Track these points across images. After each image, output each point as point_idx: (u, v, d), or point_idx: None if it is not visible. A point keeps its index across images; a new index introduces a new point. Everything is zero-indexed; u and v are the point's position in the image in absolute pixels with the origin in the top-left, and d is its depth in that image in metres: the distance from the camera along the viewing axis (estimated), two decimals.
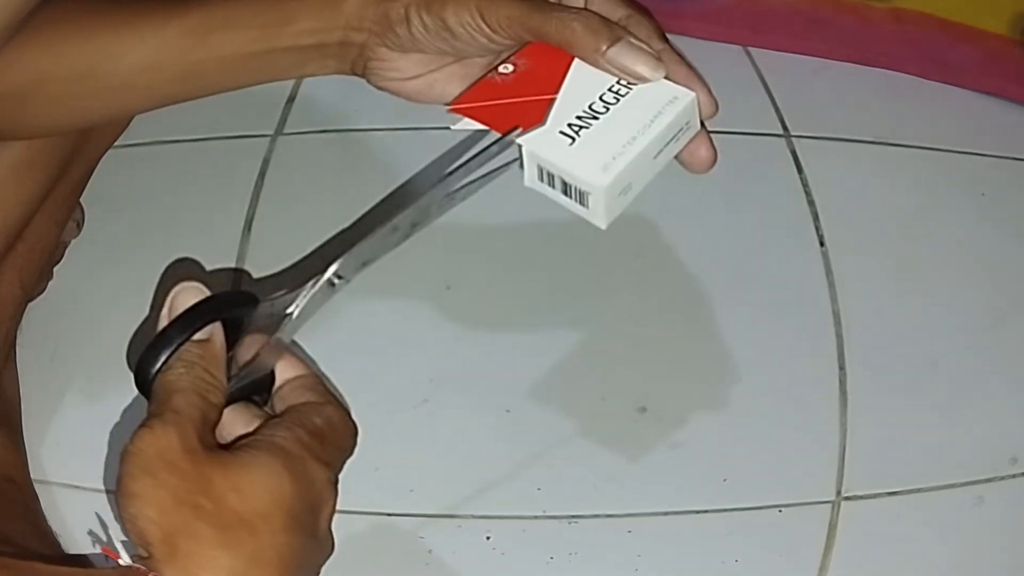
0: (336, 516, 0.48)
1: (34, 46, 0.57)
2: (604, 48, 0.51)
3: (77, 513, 0.69)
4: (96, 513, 0.66)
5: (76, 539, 0.68)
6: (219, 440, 0.46)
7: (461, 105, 0.52)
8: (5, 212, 0.67)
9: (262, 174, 0.84)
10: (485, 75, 0.54)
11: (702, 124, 0.53)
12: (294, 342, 0.50)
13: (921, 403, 0.73)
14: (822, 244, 0.80)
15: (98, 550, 0.64)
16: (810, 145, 0.85)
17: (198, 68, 0.57)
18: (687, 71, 0.52)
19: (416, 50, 0.54)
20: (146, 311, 0.75)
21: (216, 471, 0.43)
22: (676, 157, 0.53)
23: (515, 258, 0.80)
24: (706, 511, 0.69)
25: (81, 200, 0.77)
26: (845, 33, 0.89)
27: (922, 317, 0.77)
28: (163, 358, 0.46)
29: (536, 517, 0.69)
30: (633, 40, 0.52)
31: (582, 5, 0.53)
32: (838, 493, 0.69)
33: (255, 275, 0.79)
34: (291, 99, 0.88)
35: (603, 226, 0.51)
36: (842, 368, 0.74)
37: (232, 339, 0.48)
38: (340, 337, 0.72)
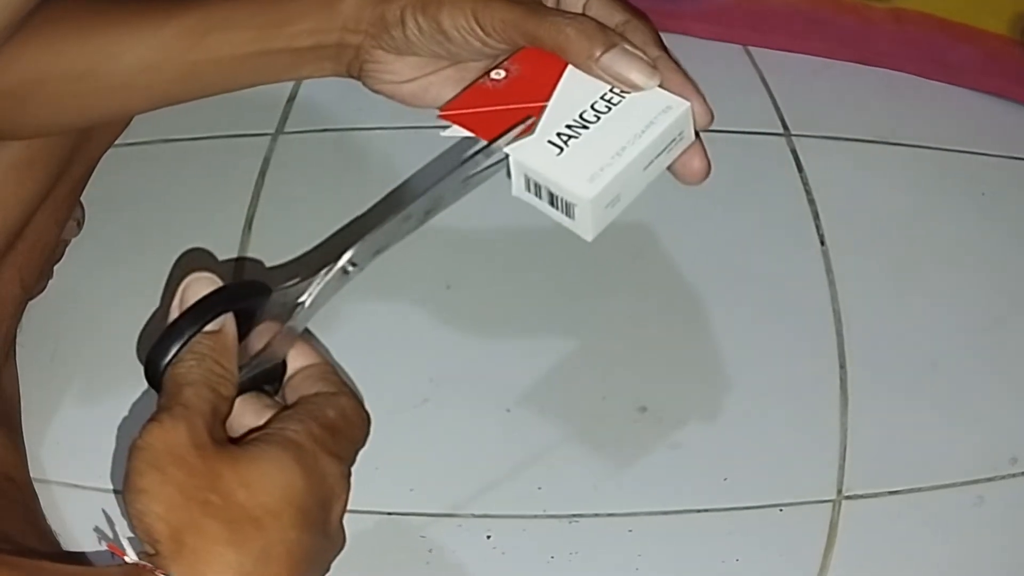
0: None
1: (34, 45, 0.57)
2: (598, 54, 0.50)
3: (77, 512, 0.69)
4: (103, 510, 0.66)
5: (76, 538, 0.68)
6: (229, 431, 0.46)
7: (450, 112, 0.52)
8: (5, 211, 0.67)
9: (262, 173, 0.84)
10: (476, 80, 0.53)
11: (697, 135, 0.52)
12: (307, 330, 0.50)
13: (921, 403, 0.73)
14: (822, 243, 0.80)
15: (104, 547, 0.64)
16: (810, 144, 0.85)
17: (196, 69, 0.57)
18: (683, 79, 0.51)
19: (411, 53, 0.54)
20: (146, 310, 0.75)
21: (225, 466, 0.43)
22: (669, 168, 0.52)
23: (515, 258, 0.80)
24: (706, 510, 0.69)
25: (81, 199, 0.77)
26: (845, 33, 0.89)
27: (922, 317, 0.77)
28: (173, 350, 0.45)
29: (536, 516, 0.69)
30: (628, 47, 0.51)
31: (580, 9, 0.53)
32: (839, 492, 0.69)
33: (255, 274, 0.79)
34: (292, 98, 0.88)
35: (589, 238, 0.50)
36: (842, 367, 0.74)
37: (244, 329, 0.47)
38: (340, 336, 0.72)
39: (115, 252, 0.80)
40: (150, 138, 0.85)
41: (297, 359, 0.51)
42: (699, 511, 0.69)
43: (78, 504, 0.69)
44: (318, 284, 0.47)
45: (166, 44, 0.56)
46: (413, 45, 0.53)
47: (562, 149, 0.50)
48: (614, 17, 0.52)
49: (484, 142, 0.50)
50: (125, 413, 0.71)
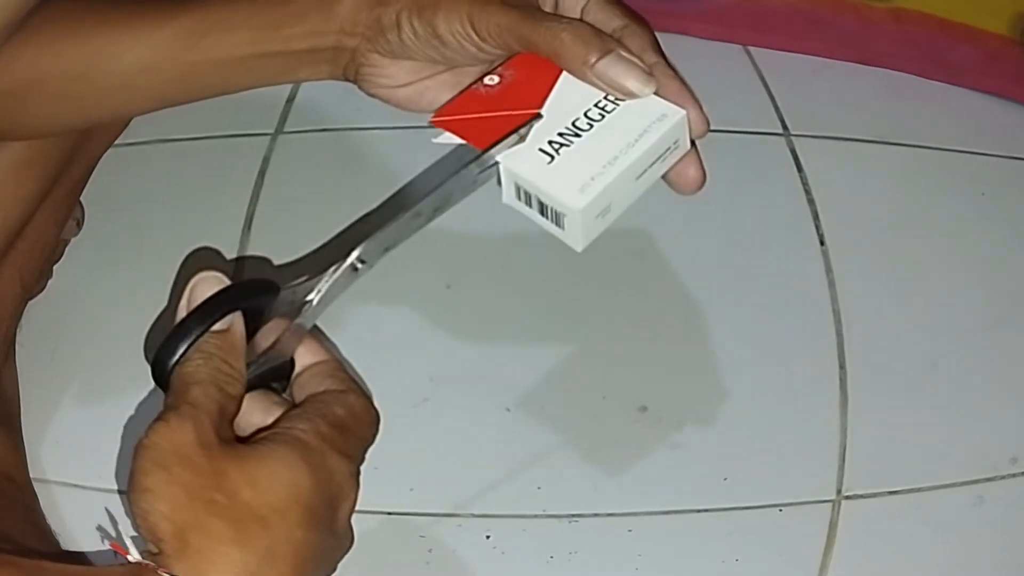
0: None
1: (33, 45, 0.57)
2: (592, 61, 0.50)
3: (77, 512, 0.69)
4: (105, 508, 0.66)
5: (75, 538, 0.68)
6: (236, 429, 0.46)
7: (442, 118, 0.51)
8: (5, 210, 0.67)
9: (262, 173, 0.84)
10: (469, 86, 0.52)
11: (693, 144, 0.51)
12: (317, 327, 0.50)
13: (921, 403, 0.73)
14: (822, 243, 0.80)
15: (106, 546, 0.64)
16: (810, 144, 0.85)
17: (194, 70, 0.57)
18: (679, 87, 0.50)
19: (407, 57, 0.54)
20: (146, 310, 0.75)
21: (231, 465, 0.43)
22: (663, 177, 0.51)
23: (515, 257, 0.79)
24: (706, 510, 0.69)
25: (81, 198, 0.77)
26: (845, 33, 0.89)
27: (922, 317, 0.77)
28: (181, 350, 0.45)
29: (536, 516, 0.69)
30: (624, 53, 0.50)
31: (578, 14, 0.52)
32: (838, 492, 0.69)
33: (262, 273, 0.79)
34: (291, 98, 0.88)
35: (579, 249, 0.49)
36: (842, 367, 0.74)
37: (253, 328, 0.47)
38: (340, 336, 0.72)
39: (115, 252, 0.80)
40: (150, 138, 0.85)
41: (305, 356, 0.50)
42: (699, 511, 0.69)
43: (78, 504, 0.69)
44: (327, 281, 0.47)
45: (164, 45, 0.56)
46: (408, 49, 0.53)
47: (553, 157, 0.49)
48: (612, 22, 0.52)
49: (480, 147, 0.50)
50: (125, 413, 0.71)
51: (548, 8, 0.53)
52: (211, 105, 0.61)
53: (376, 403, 0.51)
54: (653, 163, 0.50)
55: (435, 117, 0.51)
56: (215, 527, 0.42)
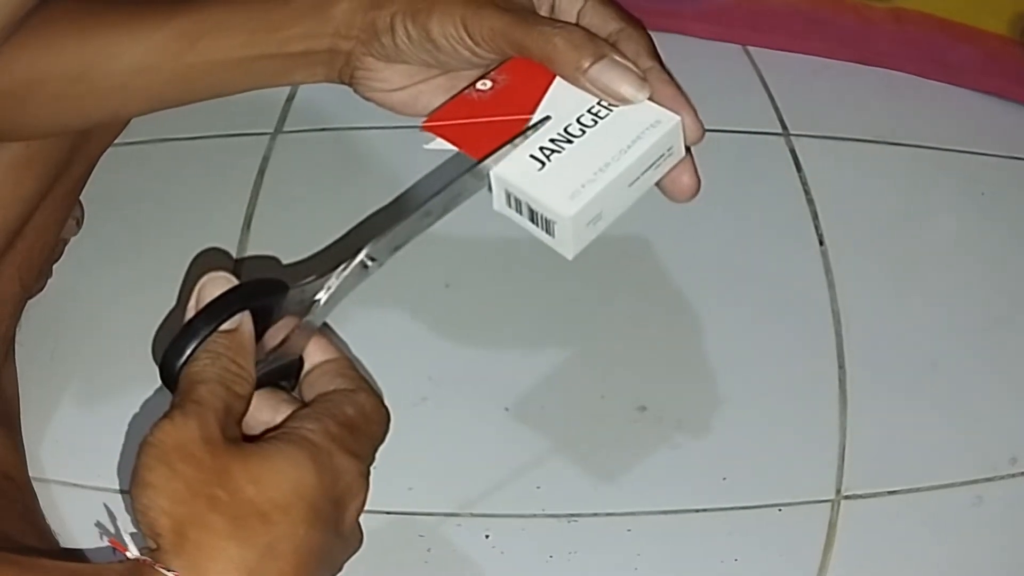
0: None
1: (31, 46, 0.57)
2: (586, 66, 0.49)
3: (76, 511, 0.69)
4: (104, 504, 0.66)
5: (75, 537, 0.68)
6: (245, 427, 0.46)
7: (433, 123, 0.50)
8: (4, 210, 0.67)
9: (261, 172, 0.84)
10: (462, 91, 0.52)
11: (688, 150, 0.50)
12: (327, 326, 0.49)
13: (921, 403, 0.73)
14: (821, 243, 0.80)
15: (105, 543, 0.64)
16: (809, 144, 0.85)
17: (190, 72, 0.57)
18: (674, 92, 0.50)
19: (401, 61, 0.53)
20: (146, 309, 0.75)
21: (235, 462, 0.43)
22: (657, 184, 0.50)
23: (515, 256, 0.79)
24: (705, 510, 0.69)
25: (81, 198, 0.77)
26: (845, 33, 0.89)
27: (922, 317, 0.77)
28: (189, 350, 0.45)
29: (535, 516, 0.69)
30: (618, 58, 0.49)
31: (574, 18, 0.52)
32: (838, 492, 0.69)
33: (270, 272, 0.79)
34: (290, 98, 0.88)
35: (570, 257, 0.49)
36: (842, 367, 0.74)
37: (262, 327, 0.47)
38: (338, 335, 0.72)
39: (114, 251, 0.80)
40: (149, 137, 0.85)
41: (315, 355, 0.50)
42: (698, 511, 0.69)
43: (77, 503, 0.69)
44: (336, 280, 0.47)
45: (161, 47, 0.56)
46: (403, 53, 0.53)
47: (544, 164, 0.48)
48: (608, 26, 0.51)
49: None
50: (125, 412, 0.71)
51: (544, 11, 0.52)
52: (210, 105, 0.61)
53: None
54: (646, 170, 0.49)
55: (426, 123, 0.51)
56: (215, 522, 0.42)
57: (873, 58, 0.89)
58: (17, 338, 0.74)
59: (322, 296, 0.47)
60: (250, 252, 0.80)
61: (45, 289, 0.77)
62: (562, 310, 0.78)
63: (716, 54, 0.90)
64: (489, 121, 0.50)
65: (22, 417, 0.72)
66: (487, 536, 0.68)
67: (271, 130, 0.87)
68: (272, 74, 0.57)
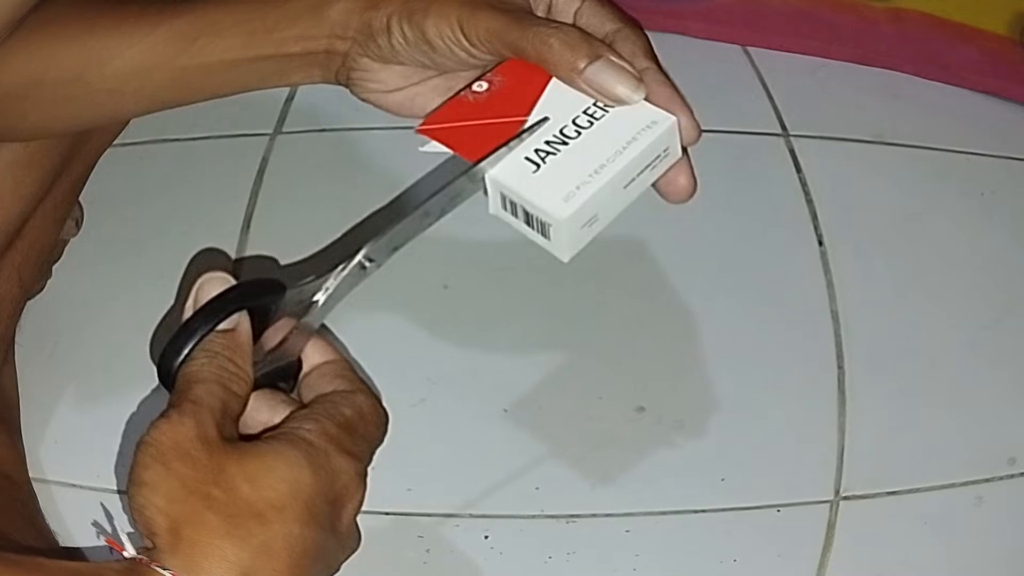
0: None
1: (29, 48, 0.57)
2: (582, 66, 0.48)
3: (75, 511, 0.69)
4: (101, 503, 0.66)
5: (73, 536, 0.68)
6: (243, 427, 0.46)
7: (428, 126, 0.50)
8: (4, 210, 0.67)
9: (261, 172, 0.84)
10: (457, 93, 0.51)
11: (684, 151, 0.50)
12: (325, 327, 0.49)
13: (920, 403, 0.73)
14: (821, 244, 0.80)
15: (102, 542, 0.64)
16: (809, 144, 0.85)
17: (186, 74, 0.56)
18: (670, 93, 0.49)
19: (397, 62, 0.53)
20: (145, 309, 0.75)
21: (231, 461, 0.43)
22: (653, 185, 0.50)
23: (513, 257, 0.79)
24: (704, 511, 0.69)
25: (80, 198, 0.77)
26: (844, 33, 0.89)
27: (921, 317, 0.77)
28: (186, 350, 0.45)
29: (534, 516, 0.69)
30: (614, 58, 0.49)
31: (570, 18, 0.51)
32: (836, 493, 0.69)
33: (268, 272, 0.78)
34: (290, 99, 0.88)
35: (565, 259, 0.48)
36: (841, 368, 0.74)
37: (260, 328, 0.47)
38: (337, 335, 0.72)
39: (113, 251, 0.80)
40: (149, 138, 0.85)
41: (313, 356, 0.50)
42: (697, 511, 0.69)
43: (76, 503, 0.69)
44: (334, 280, 0.47)
45: (156, 48, 0.56)
46: (399, 54, 0.52)
47: (539, 166, 0.48)
48: (605, 26, 0.51)
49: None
50: (123, 412, 0.72)
51: (541, 12, 0.52)
52: (210, 105, 0.61)
53: None
54: (642, 171, 0.49)
55: (421, 126, 0.50)
56: (210, 521, 0.42)
57: (872, 58, 0.89)
58: (17, 338, 0.74)
59: (320, 297, 0.47)
60: (249, 252, 0.80)
61: (45, 289, 0.77)
62: (561, 311, 0.78)
63: (715, 54, 0.90)
64: (484, 123, 0.49)
65: (22, 417, 0.72)
66: (486, 537, 0.68)
67: (270, 131, 0.87)
68: (269, 75, 0.56)
